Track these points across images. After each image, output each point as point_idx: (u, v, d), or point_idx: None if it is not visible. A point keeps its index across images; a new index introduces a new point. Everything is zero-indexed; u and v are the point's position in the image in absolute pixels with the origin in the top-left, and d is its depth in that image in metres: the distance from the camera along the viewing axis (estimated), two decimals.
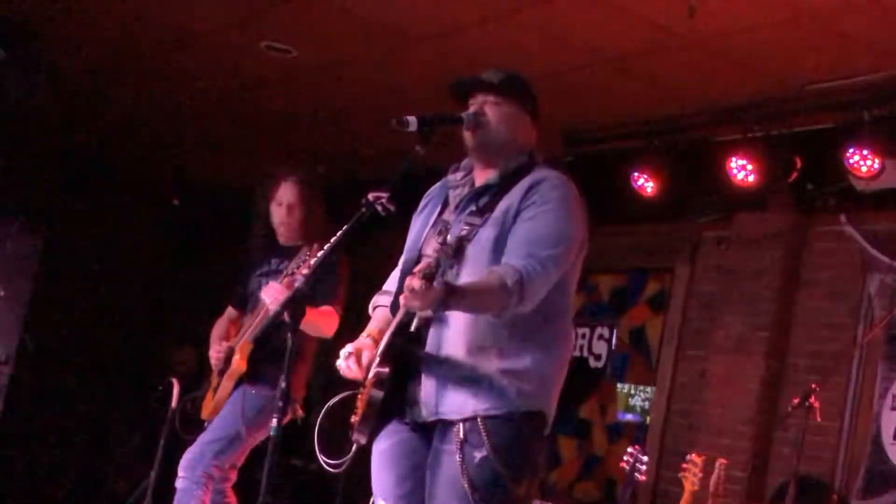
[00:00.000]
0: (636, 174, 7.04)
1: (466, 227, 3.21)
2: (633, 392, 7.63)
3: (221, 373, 5.05)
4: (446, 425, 3.13)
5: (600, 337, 7.83)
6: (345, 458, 3.46)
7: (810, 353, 6.57)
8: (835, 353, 6.39)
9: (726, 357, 6.85)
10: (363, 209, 3.35)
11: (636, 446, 5.45)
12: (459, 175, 3.44)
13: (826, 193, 6.63)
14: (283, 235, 5.02)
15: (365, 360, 3.29)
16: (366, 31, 6.35)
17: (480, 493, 3.04)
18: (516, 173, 3.31)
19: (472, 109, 3.36)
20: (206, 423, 5.03)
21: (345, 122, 8.01)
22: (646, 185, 7.04)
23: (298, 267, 4.60)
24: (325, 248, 3.43)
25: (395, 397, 3.23)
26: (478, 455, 3.04)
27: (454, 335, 3.14)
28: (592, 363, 7.80)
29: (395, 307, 3.34)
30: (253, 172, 9.55)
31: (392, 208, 3.49)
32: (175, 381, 6.19)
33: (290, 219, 4.97)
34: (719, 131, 6.76)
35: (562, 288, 3.24)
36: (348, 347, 3.37)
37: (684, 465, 5.43)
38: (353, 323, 4.34)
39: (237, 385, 4.88)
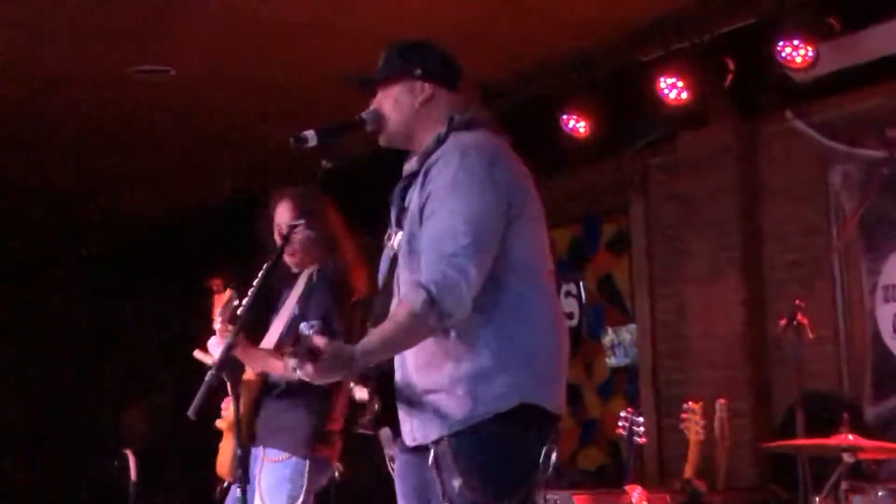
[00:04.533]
0: (565, 117, 7.02)
1: (396, 234, 3.14)
2: (613, 338, 7.68)
3: None
4: (423, 451, 3.05)
5: (568, 294, 7.85)
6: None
7: (788, 264, 6.64)
8: (813, 258, 6.45)
9: (702, 287, 6.90)
10: (283, 240, 3.37)
11: (629, 409, 5.47)
12: (413, 162, 3.22)
13: (766, 92, 6.65)
14: (292, 264, 4.55)
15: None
16: (241, 31, 6.29)
17: None
18: (431, 154, 3.13)
19: (370, 109, 3.27)
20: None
21: (240, 131, 7.95)
22: (577, 125, 7.02)
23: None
24: (251, 290, 3.39)
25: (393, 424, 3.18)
26: (456, 484, 2.92)
27: (406, 355, 3.05)
28: (566, 324, 7.81)
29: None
30: (164, 200, 9.64)
31: (312, 234, 3.49)
32: (129, 454, 6.16)
33: (289, 247, 4.44)
34: (640, 52, 6.74)
35: (505, 259, 3.00)
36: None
37: (684, 416, 5.47)
38: None
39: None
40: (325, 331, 3.98)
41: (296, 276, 4.49)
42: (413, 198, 3.08)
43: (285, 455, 4.23)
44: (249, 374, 4.34)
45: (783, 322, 5.18)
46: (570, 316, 7.86)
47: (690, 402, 5.50)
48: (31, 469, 9.92)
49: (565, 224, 7.88)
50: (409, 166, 3.21)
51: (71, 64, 6.63)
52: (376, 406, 3.08)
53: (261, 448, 4.28)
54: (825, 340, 6.20)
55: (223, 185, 8.71)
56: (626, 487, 5.29)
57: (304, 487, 4.20)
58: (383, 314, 3.01)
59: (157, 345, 10.60)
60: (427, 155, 3.13)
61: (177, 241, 10.09)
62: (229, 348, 3.24)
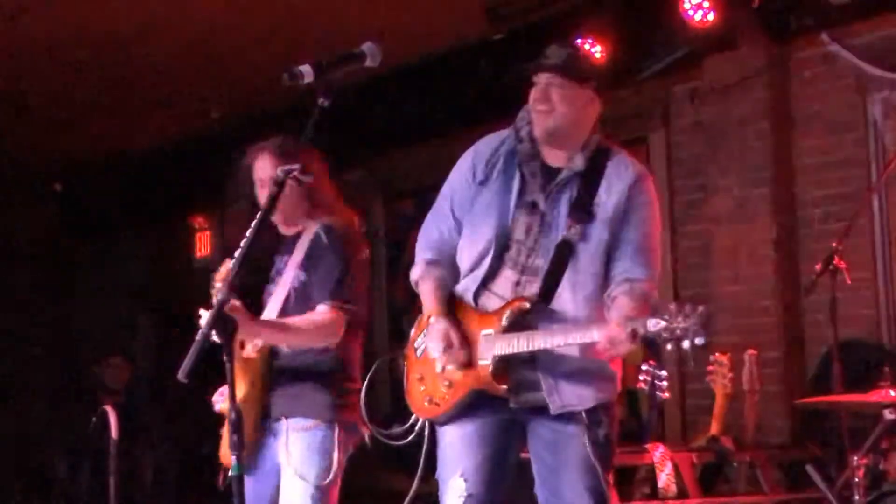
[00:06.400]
0: (580, 40, 6.95)
1: (576, 225, 3.65)
2: None
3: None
4: (566, 414, 3.67)
5: None
6: (405, 427, 3.88)
7: (822, 200, 6.62)
8: (850, 193, 6.42)
9: (729, 226, 6.89)
10: (276, 187, 3.36)
11: (651, 361, 5.47)
12: (528, 147, 3.77)
13: (799, 13, 6.60)
14: (282, 222, 4.45)
15: (456, 340, 3.70)
16: None
17: (605, 465, 3.69)
18: (596, 158, 3.75)
19: (535, 94, 3.71)
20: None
21: (227, 56, 7.90)
22: (593, 50, 6.97)
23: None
24: (244, 240, 3.38)
25: None
26: (602, 435, 3.68)
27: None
28: None
29: (477, 295, 3.76)
30: (143, 131, 9.59)
31: (309, 179, 3.50)
32: (109, 408, 6.16)
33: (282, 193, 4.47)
34: None
35: None
36: (438, 345, 3.72)
37: (710, 368, 5.47)
38: None
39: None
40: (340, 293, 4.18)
41: (291, 241, 4.39)
42: (606, 202, 3.68)
43: (312, 422, 4.17)
44: (250, 354, 4.30)
45: (819, 267, 5.20)
46: None
47: (717, 354, 5.49)
48: (3, 428, 9.99)
49: None
50: (573, 166, 3.72)
51: None
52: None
53: (282, 419, 4.21)
54: (863, 284, 6.20)
55: (208, 116, 8.65)
56: (648, 446, 5.31)
57: (337, 454, 4.16)
58: (548, 297, 3.64)
59: (135, 288, 10.62)
60: (594, 156, 3.73)
61: (157, 175, 10.07)
62: (221, 305, 3.25)
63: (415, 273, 3.95)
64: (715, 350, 5.74)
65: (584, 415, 3.67)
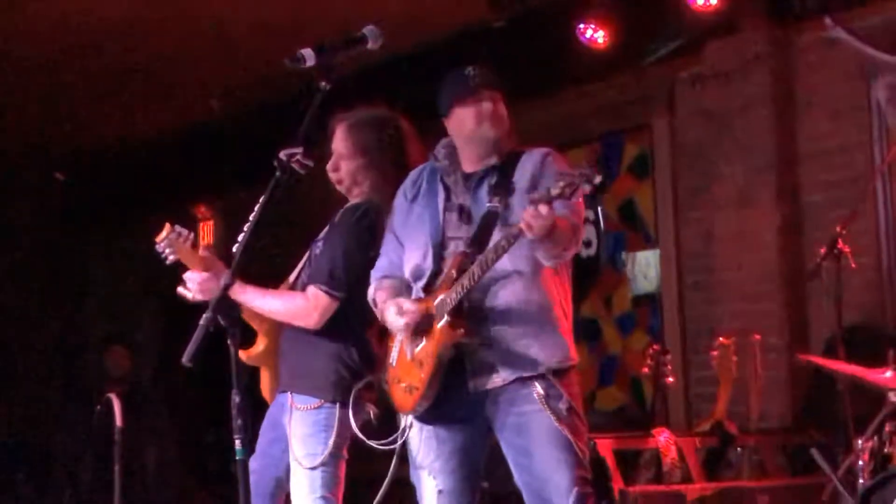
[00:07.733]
0: (582, 26, 6.98)
1: (496, 199, 3.79)
2: (634, 266, 7.69)
3: None
4: (517, 386, 3.74)
5: (585, 221, 7.79)
6: (395, 435, 3.90)
7: (826, 185, 6.61)
8: (854, 178, 6.42)
9: (732, 212, 6.89)
10: (278, 173, 3.35)
11: (655, 346, 5.48)
12: (446, 163, 3.97)
13: None
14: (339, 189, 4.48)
15: (407, 301, 3.82)
16: None
17: (575, 436, 3.72)
18: (510, 157, 3.91)
19: (485, 105, 3.88)
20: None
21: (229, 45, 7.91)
22: (595, 36, 6.98)
23: None
24: (246, 227, 3.39)
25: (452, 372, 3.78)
26: (563, 406, 3.73)
27: (517, 299, 3.73)
28: (583, 253, 7.79)
29: (428, 288, 3.86)
30: (145, 121, 9.59)
31: (311, 163, 3.49)
32: (114, 397, 6.16)
33: (336, 174, 4.39)
34: None
35: None
36: (392, 308, 3.82)
37: (714, 353, 5.47)
38: None
39: None
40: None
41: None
42: (523, 176, 3.81)
43: (316, 402, 4.18)
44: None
45: (823, 250, 5.20)
46: (587, 244, 7.84)
47: (722, 338, 5.50)
48: (7, 416, 10.02)
49: (582, 143, 7.83)
50: (491, 161, 3.90)
51: None
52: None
53: (287, 394, 4.25)
54: (867, 269, 6.19)
55: (209, 106, 8.65)
56: (653, 431, 5.32)
57: (340, 435, 4.15)
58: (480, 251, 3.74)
59: (137, 278, 10.62)
60: (511, 156, 3.90)
61: (160, 164, 10.07)
62: (226, 288, 3.25)
63: (370, 293, 4.00)
64: (719, 335, 5.76)
65: (536, 387, 3.72)
